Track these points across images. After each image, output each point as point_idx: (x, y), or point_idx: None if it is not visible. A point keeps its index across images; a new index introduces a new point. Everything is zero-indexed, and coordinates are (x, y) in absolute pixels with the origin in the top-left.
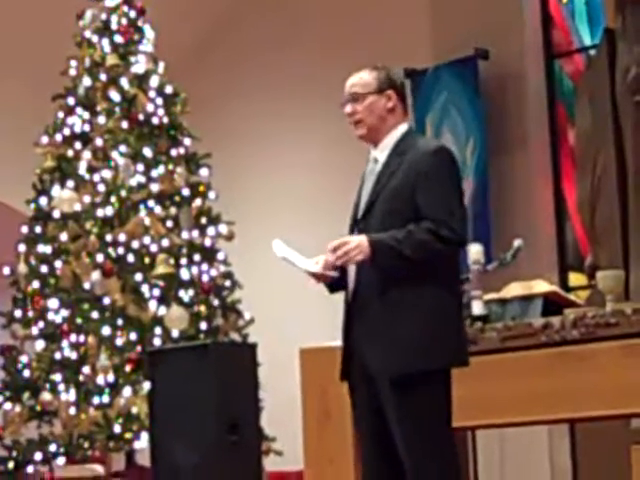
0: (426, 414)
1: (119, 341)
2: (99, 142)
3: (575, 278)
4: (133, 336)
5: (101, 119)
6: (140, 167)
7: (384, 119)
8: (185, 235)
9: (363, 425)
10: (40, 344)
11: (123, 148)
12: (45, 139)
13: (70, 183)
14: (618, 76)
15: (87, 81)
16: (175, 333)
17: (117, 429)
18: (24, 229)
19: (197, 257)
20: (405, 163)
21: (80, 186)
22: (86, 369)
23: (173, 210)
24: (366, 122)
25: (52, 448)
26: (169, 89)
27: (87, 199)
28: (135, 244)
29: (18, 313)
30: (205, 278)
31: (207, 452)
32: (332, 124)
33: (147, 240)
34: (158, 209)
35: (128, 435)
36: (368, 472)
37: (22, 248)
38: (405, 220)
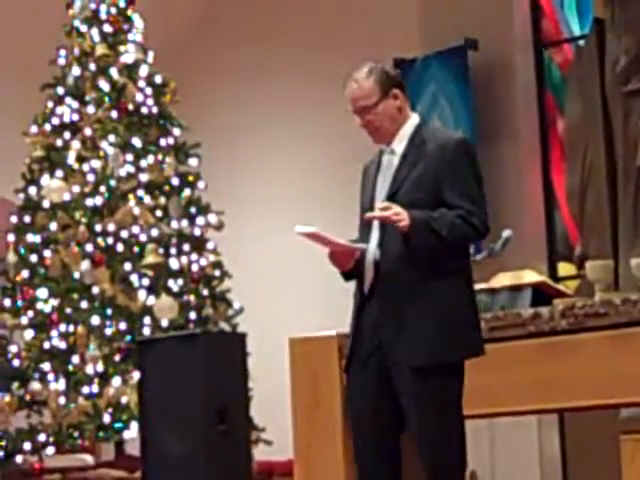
0: (444, 402)
1: (108, 331)
2: (88, 132)
3: (564, 268)
4: (122, 326)
5: (90, 109)
6: (129, 157)
7: (396, 118)
8: (174, 225)
9: (363, 406)
10: (29, 333)
11: (112, 138)
12: (34, 129)
13: (59, 173)
14: (607, 66)
15: (76, 71)
16: (164, 323)
17: (106, 419)
18: (13, 218)
19: (186, 247)
20: (426, 153)
21: (69, 176)
22: (75, 359)
23: (162, 200)
24: (383, 127)
25: (41, 438)
26: (158, 79)
27: (76, 189)
28: (124, 234)
29: (7, 302)
30: (194, 268)
31: (196, 441)
32: (322, 113)
33: (136, 230)
34: (147, 199)
35: (118, 425)
36: (362, 455)
37: (11, 237)
38: (429, 208)
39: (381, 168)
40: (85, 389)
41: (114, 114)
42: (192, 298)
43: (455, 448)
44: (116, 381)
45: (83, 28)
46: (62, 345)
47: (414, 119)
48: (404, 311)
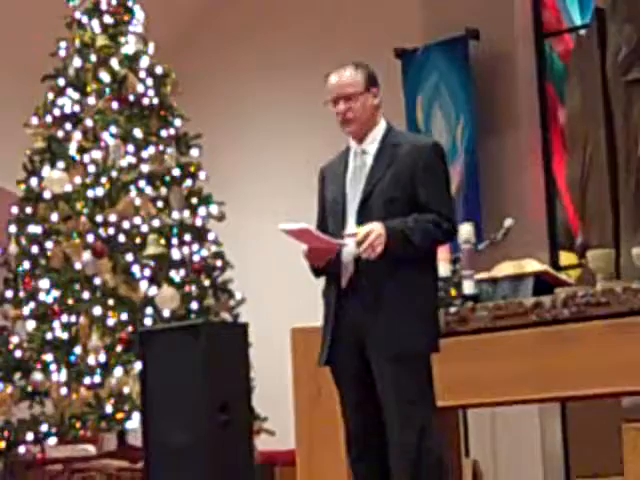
0: (419, 389)
1: (110, 321)
2: (89, 123)
3: (566, 257)
4: (124, 316)
5: (91, 100)
6: (130, 148)
7: (373, 115)
8: (176, 215)
9: (351, 396)
10: (31, 324)
11: (113, 129)
12: (35, 120)
13: (60, 164)
14: (608, 56)
15: (77, 62)
16: (166, 313)
17: (109, 409)
18: (15, 210)
19: (188, 237)
20: (401, 154)
21: (70, 167)
22: (77, 349)
23: (164, 190)
24: (359, 119)
25: (43, 428)
26: (159, 70)
27: (78, 180)
28: (126, 224)
29: (9, 293)
30: (196, 258)
31: (198, 432)
32: (323, 105)
33: (138, 220)
34: (149, 190)
35: (119, 415)
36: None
37: (13, 229)
38: (404, 207)
39: (349, 167)
40: (87, 380)
41: (115, 105)
42: (194, 288)
43: (429, 433)
44: (118, 371)
45: (84, 19)
46: (64, 336)
47: (384, 124)
48: (383, 305)
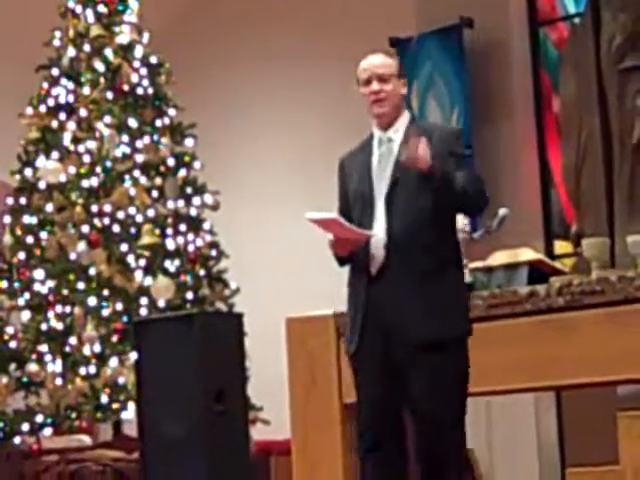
0: (452, 376)
1: (105, 311)
2: (84, 113)
3: (560, 246)
4: (119, 306)
5: (85, 90)
6: (125, 138)
7: (401, 102)
8: (170, 205)
9: (374, 387)
10: (26, 315)
11: (108, 119)
12: (29, 110)
13: (55, 154)
14: (603, 44)
15: (71, 52)
16: (161, 303)
17: (104, 399)
18: (9, 200)
19: (183, 227)
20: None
21: (65, 157)
22: (72, 340)
23: (158, 180)
24: (392, 101)
25: (39, 419)
26: (153, 59)
27: (72, 170)
28: (121, 214)
29: (4, 284)
30: (191, 248)
31: (194, 421)
32: (318, 92)
33: (132, 210)
34: (143, 179)
35: (115, 405)
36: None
37: (7, 219)
38: (434, 194)
39: (373, 155)
40: (82, 370)
41: (109, 95)
42: (189, 278)
43: (456, 423)
44: (113, 362)
45: (78, 9)
46: (59, 326)
47: (407, 114)
48: (414, 293)
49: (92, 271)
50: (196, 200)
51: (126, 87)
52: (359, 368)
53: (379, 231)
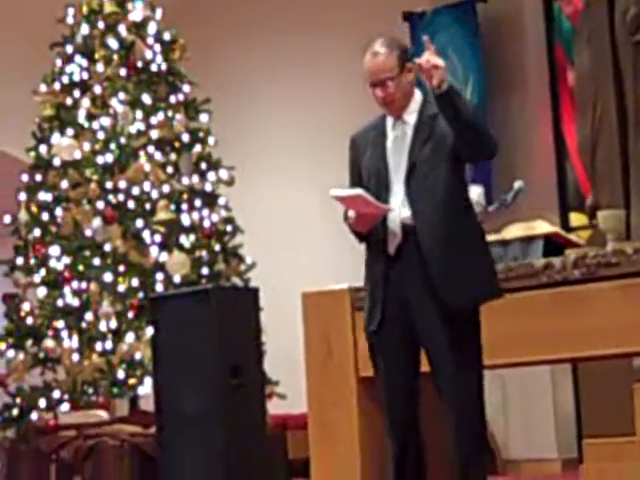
0: (471, 344)
1: (121, 287)
2: (98, 90)
3: (576, 218)
4: (135, 282)
5: (99, 67)
6: (139, 114)
7: (409, 92)
8: (185, 181)
9: (393, 362)
10: (42, 291)
11: (122, 95)
12: (44, 87)
13: (70, 131)
14: (617, 16)
15: (85, 29)
16: (177, 278)
17: (120, 375)
18: (24, 177)
19: (198, 203)
20: (440, 126)
21: (79, 134)
22: (89, 316)
23: (173, 156)
24: (398, 100)
25: (56, 395)
26: (167, 36)
27: (87, 146)
28: (135, 190)
29: (20, 261)
30: (206, 223)
31: (210, 396)
32: (332, 66)
33: (147, 186)
34: (158, 155)
35: (132, 381)
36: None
37: (23, 196)
38: (447, 170)
39: (388, 136)
40: (99, 346)
41: (123, 72)
42: (204, 254)
43: (477, 389)
44: (129, 337)
45: None
46: (75, 302)
47: (419, 94)
48: (446, 265)
49: (107, 247)
50: (211, 175)
51: (140, 64)
52: (380, 348)
53: (396, 210)
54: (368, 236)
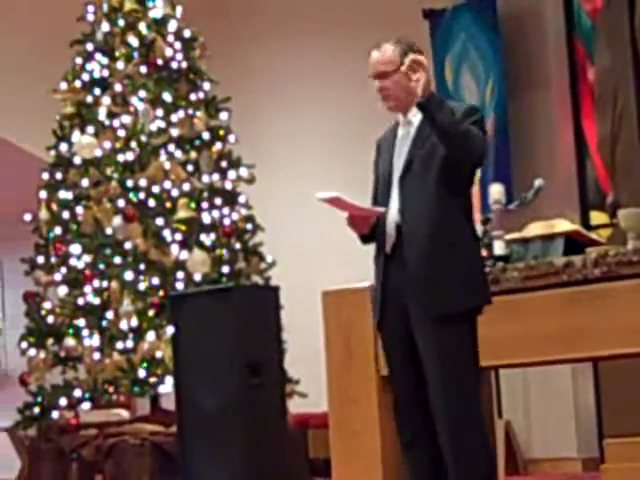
0: (463, 350)
1: (142, 286)
2: (118, 88)
3: (596, 217)
4: (155, 280)
5: (120, 64)
6: (160, 112)
7: (411, 90)
8: (206, 179)
9: (396, 357)
10: (63, 290)
11: (142, 93)
12: (64, 85)
13: (90, 129)
14: (637, 12)
15: (105, 27)
16: (197, 277)
17: (141, 374)
18: (45, 175)
19: (218, 201)
20: None
21: (100, 132)
22: (109, 314)
23: (193, 154)
24: (395, 96)
25: (77, 393)
26: (187, 33)
27: (107, 145)
28: (156, 189)
29: (40, 259)
30: (227, 222)
31: (231, 395)
32: (353, 64)
33: (168, 185)
34: (178, 153)
35: (152, 379)
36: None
37: (43, 195)
38: (440, 172)
39: (397, 139)
40: (119, 344)
41: (144, 69)
42: (225, 252)
43: (472, 398)
44: (150, 336)
45: None
46: (96, 301)
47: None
48: (426, 268)
49: (128, 245)
50: (231, 174)
51: (160, 61)
52: (384, 343)
53: (393, 210)
54: (372, 236)
